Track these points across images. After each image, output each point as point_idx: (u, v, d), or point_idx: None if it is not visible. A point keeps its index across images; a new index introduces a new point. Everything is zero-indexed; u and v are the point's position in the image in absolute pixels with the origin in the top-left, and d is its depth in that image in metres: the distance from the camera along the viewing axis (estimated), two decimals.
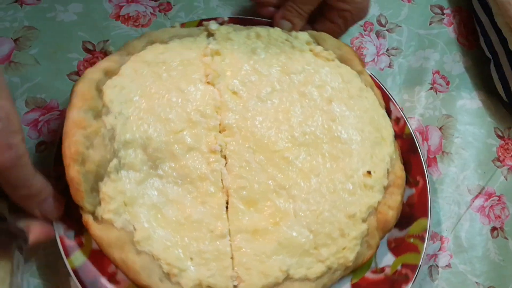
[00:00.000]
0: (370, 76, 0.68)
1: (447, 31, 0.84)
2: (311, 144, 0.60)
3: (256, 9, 0.71)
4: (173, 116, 0.58)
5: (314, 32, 0.69)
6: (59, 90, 0.66)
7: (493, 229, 0.69)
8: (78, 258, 0.54)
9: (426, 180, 0.62)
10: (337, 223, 0.56)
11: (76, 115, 0.53)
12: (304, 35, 0.68)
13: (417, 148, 0.64)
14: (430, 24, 0.84)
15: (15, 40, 0.68)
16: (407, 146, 0.65)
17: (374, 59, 0.79)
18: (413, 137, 0.65)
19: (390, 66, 0.78)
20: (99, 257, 0.54)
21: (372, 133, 0.61)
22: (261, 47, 0.65)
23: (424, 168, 0.63)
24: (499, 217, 0.70)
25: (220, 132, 0.60)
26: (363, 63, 0.67)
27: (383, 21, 0.83)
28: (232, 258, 0.54)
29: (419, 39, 0.82)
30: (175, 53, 0.62)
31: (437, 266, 0.65)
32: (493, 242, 0.68)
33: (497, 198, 0.71)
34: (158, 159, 0.56)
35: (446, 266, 0.65)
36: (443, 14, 0.85)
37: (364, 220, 0.57)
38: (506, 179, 0.73)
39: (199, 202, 0.56)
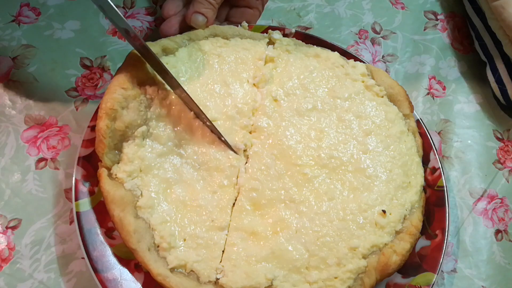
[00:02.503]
0: (420, 123, 0.68)
1: (441, 36, 0.84)
2: (334, 168, 0.61)
3: (160, 30, 0.69)
4: (211, 104, 0.62)
5: (372, 66, 0.70)
6: (58, 107, 0.66)
7: (497, 232, 0.68)
8: (84, 204, 0.56)
9: (444, 236, 0.60)
10: (336, 251, 0.55)
11: (122, 76, 0.58)
12: (362, 67, 0.69)
13: (445, 203, 0.62)
14: (424, 30, 0.85)
15: (13, 59, 0.68)
16: (435, 198, 0.63)
17: None
18: (444, 191, 0.63)
19: (386, 72, 0.79)
20: (104, 210, 0.55)
21: (400, 177, 0.61)
22: (316, 66, 0.68)
23: (447, 224, 0.61)
24: (503, 219, 0.69)
25: (250, 132, 0.62)
26: (412, 108, 0.67)
27: (377, 29, 0.83)
28: (223, 251, 0.55)
29: (414, 45, 0.83)
30: (233, 50, 0.67)
31: (442, 271, 0.64)
32: (498, 245, 0.67)
33: (500, 200, 0.71)
34: (184, 139, 0.60)
35: (452, 271, 0.65)
36: (436, 19, 0.86)
37: (364, 257, 0.56)
38: (508, 181, 0.72)
39: (209, 191, 0.58)
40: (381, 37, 0.83)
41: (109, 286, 0.52)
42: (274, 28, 0.72)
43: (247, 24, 0.71)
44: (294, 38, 0.72)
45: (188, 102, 0.60)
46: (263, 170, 0.59)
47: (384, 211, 0.58)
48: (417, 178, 0.63)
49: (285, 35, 0.72)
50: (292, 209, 0.57)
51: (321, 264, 0.55)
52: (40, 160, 0.63)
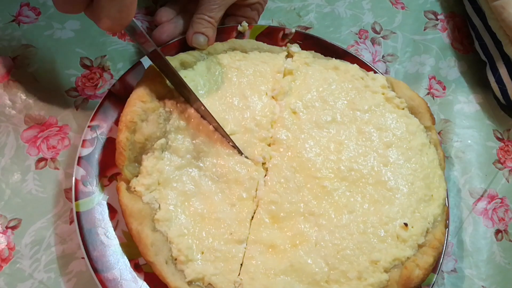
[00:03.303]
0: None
1: (441, 36, 0.84)
2: (354, 181, 0.60)
3: (152, 35, 0.69)
4: (230, 117, 0.62)
5: (392, 79, 0.70)
6: (57, 107, 0.66)
7: (497, 231, 0.68)
8: (84, 204, 0.56)
9: (444, 236, 0.60)
10: (357, 264, 0.55)
11: (141, 90, 0.58)
12: (382, 79, 0.69)
13: (445, 203, 0.62)
14: (424, 30, 0.85)
15: (13, 59, 0.68)
16: None
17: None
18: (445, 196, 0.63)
19: (386, 72, 0.79)
20: (104, 210, 0.56)
21: (421, 189, 0.60)
22: (335, 79, 0.68)
23: (447, 224, 0.61)
24: (503, 219, 0.69)
25: (269, 145, 0.62)
26: (433, 120, 0.67)
27: (377, 28, 0.83)
28: (241, 264, 0.55)
29: (414, 45, 0.83)
30: (251, 64, 0.67)
31: (442, 271, 0.64)
32: (498, 245, 0.67)
33: (500, 200, 0.71)
34: (203, 152, 0.60)
35: (452, 271, 0.65)
36: (437, 19, 0.86)
37: (386, 270, 0.55)
38: (508, 181, 0.72)
39: (228, 203, 0.58)
40: (381, 37, 0.83)
41: (109, 286, 0.52)
42: (274, 28, 0.72)
43: (247, 24, 0.71)
44: (313, 51, 0.71)
45: (206, 116, 0.60)
46: (283, 183, 0.59)
47: (406, 224, 0.57)
48: (440, 191, 0.62)
49: (285, 35, 0.72)
50: (311, 222, 0.57)
51: (342, 277, 0.54)
52: (40, 160, 0.63)
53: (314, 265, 0.54)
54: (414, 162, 0.62)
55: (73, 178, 0.57)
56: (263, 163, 0.61)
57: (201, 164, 0.59)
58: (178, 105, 0.61)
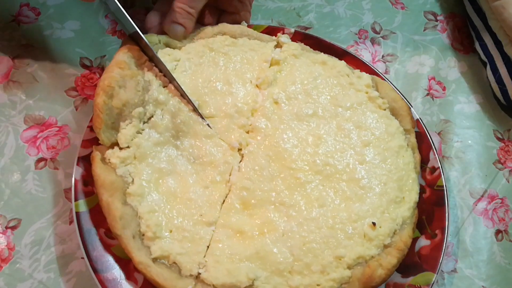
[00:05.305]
0: (419, 122, 0.67)
1: (440, 37, 0.84)
2: (328, 176, 0.60)
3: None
4: (211, 100, 0.62)
5: (377, 79, 0.70)
6: (57, 107, 0.66)
7: (498, 232, 0.68)
8: (84, 204, 0.56)
9: (444, 236, 0.60)
10: (321, 258, 0.55)
11: (120, 57, 0.59)
12: (367, 78, 0.69)
13: (445, 202, 0.63)
14: (424, 30, 0.85)
15: (13, 59, 0.68)
16: (435, 198, 0.63)
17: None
18: (444, 191, 0.63)
19: (386, 72, 0.79)
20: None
21: (394, 191, 0.60)
22: (321, 73, 0.68)
23: (446, 224, 0.61)
24: (503, 219, 0.69)
25: (247, 132, 0.62)
26: (414, 124, 0.67)
27: (377, 28, 0.83)
28: (208, 247, 0.55)
29: (414, 45, 0.83)
30: (240, 50, 0.67)
31: (442, 271, 0.64)
32: (498, 245, 0.67)
33: (500, 200, 0.71)
34: (182, 131, 0.60)
35: (452, 271, 0.65)
36: (436, 20, 0.86)
37: (349, 267, 0.55)
38: (508, 181, 0.72)
39: (201, 185, 0.58)
40: (381, 37, 0.83)
41: (108, 286, 0.52)
42: (273, 28, 0.72)
43: (246, 25, 0.71)
44: (302, 43, 0.71)
45: (184, 96, 0.60)
46: (257, 170, 0.59)
47: (374, 223, 0.57)
48: (412, 195, 0.62)
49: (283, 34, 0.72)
50: (281, 212, 0.57)
51: (305, 269, 0.54)
52: (40, 160, 0.63)
53: (279, 254, 0.54)
54: (389, 163, 0.62)
55: (73, 178, 0.57)
56: (239, 149, 0.61)
57: (179, 144, 0.59)
58: (157, 77, 0.61)
